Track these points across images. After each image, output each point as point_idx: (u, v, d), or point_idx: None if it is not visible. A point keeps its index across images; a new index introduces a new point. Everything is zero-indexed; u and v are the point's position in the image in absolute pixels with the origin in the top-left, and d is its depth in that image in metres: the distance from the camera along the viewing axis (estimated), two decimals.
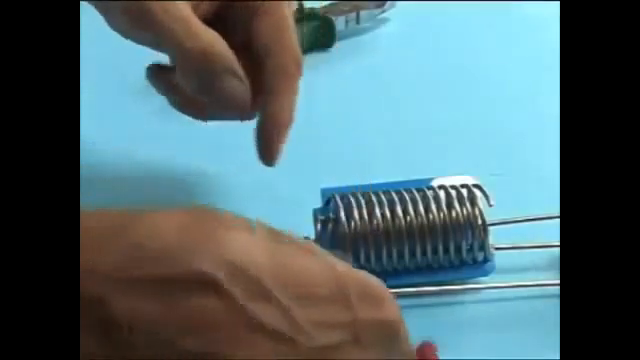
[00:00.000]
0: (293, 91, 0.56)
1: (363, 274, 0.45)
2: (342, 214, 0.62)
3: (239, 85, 0.52)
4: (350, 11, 0.89)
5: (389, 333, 0.45)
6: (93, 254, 0.40)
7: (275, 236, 0.44)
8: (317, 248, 0.45)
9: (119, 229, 0.41)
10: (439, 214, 0.62)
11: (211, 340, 0.39)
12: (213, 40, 0.50)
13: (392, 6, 0.90)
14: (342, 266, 0.44)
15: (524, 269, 0.65)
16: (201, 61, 0.50)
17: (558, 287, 0.62)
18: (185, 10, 0.50)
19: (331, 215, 0.62)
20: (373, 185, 0.64)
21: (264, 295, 0.40)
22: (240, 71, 0.51)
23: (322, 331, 0.41)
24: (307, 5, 0.86)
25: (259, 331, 0.39)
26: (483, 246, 0.63)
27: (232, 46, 0.53)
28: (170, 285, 0.39)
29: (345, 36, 0.88)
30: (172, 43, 0.50)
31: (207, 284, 0.39)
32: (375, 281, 0.45)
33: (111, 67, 0.81)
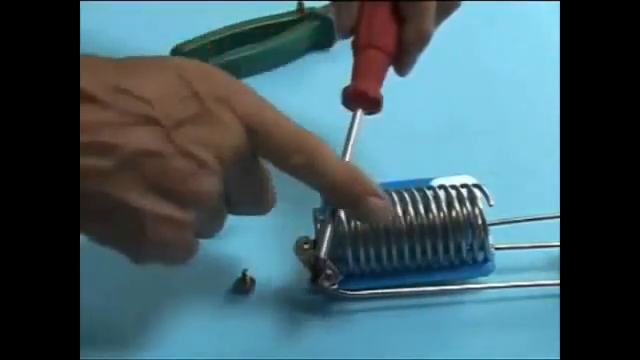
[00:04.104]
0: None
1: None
2: (342, 214, 0.62)
3: (381, 202, 0.58)
4: None
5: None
6: None
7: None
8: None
9: None
10: (439, 214, 0.62)
11: (99, 134, 0.51)
12: (355, 172, 0.58)
13: None
14: None
15: (524, 269, 0.65)
16: (349, 191, 0.58)
17: (558, 287, 0.62)
18: (333, 152, 0.58)
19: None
20: None
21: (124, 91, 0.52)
22: (380, 191, 0.58)
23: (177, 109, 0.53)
24: (307, 5, 0.86)
25: (133, 124, 0.52)
26: (483, 246, 0.63)
27: None
28: None
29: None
30: (325, 185, 0.58)
31: (89, 99, 0.51)
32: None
33: None
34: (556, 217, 0.64)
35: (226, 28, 0.84)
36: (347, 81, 0.63)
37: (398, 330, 0.61)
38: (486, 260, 0.63)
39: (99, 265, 0.63)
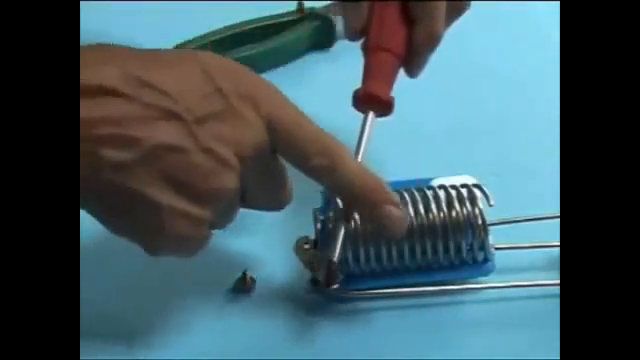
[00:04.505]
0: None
1: None
2: (342, 214, 0.62)
3: (398, 212, 0.58)
4: None
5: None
6: None
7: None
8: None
9: None
10: (439, 214, 0.62)
11: (121, 127, 0.51)
12: (376, 179, 0.58)
13: None
14: None
15: (524, 269, 0.65)
16: (367, 197, 0.58)
17: (558, 287, 0.62)
18: (355, 161, 0.58)
19: (331, 215, 0.62)
20: None
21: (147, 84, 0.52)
22: (395, 199, 0.58)
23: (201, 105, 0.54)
24: (307, 5, 0.86)
25: (156, 118, 0.52)
26: (483, 246, 0.63)
27: None
28: (85, 95, 0.51)
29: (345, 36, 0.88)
30: (344, 188, 0.58)
31: (112, 92, 0.51)
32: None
33: None
34: (556, 217, 0.64)
35: (226, 28, 0.84)
36: (347, 81, 0.63)
37: (398, 330, 0.61)
38: (486, 260, 0.63)
39: (100, 265, 0.63)
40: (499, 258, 0.64)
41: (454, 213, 0.62)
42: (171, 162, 0.53)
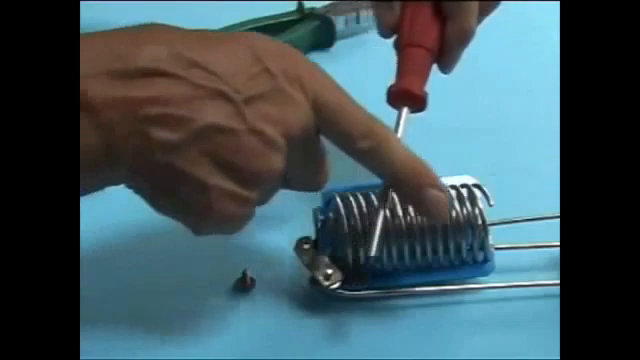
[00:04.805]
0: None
1: None
2: (342, 214, 0.62)
3: (441, 195, 0.59)
4: (350, 11, 0.89)
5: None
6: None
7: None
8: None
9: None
10: None
11: (170, 107, 0.52)
12: (420, 163, 0.59)
13: None
14: None
15: (524, 269, 0.65)
16: (411, 181, 0.59)
17: (558, 287, 0.62)
18: (399, 141, 0.59)
19: (331, 215, 0.62)
20: (373, 185, 0.64)
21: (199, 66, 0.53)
22: (440, 183, 0.59)
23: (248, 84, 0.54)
24: (307, 5, 0.86)
25: (205, 99, 0.52)
26: (483, 246, 0.63)
27: None
28: (134, 75, 0.51)
29: (345, 36, 0.88)
30: (389, 172, 0.58)
31: (160, 73, 0.52)
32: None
33: None
34: (556, 217, 0.64)
35: (226, 28, 0.84)
36: (347, 81, 0.63)
37: (398, 330, 0.61)
38: (486, 260, 0.63)
39: (99, 265, 0.63)
40: (499, 258, 0.64)
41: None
42: (220, 143, 0.53)
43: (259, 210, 0.60)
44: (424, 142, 0.75)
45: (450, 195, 0.63)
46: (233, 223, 0.56)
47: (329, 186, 0.63)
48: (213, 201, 0.54)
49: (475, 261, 0.63)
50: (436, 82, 0.66)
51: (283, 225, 0.66)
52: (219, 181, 0.53)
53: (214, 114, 0.53)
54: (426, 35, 0.64)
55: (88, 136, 0.51)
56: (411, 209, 0.62)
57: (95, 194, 0.58)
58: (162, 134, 0.52)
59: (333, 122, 0.56)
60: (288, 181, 0.58)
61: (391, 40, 0.66)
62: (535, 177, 0.72)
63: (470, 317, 0.63)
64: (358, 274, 0.61)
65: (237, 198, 0.54)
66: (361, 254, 0.61)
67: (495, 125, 0.77)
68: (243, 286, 0.63)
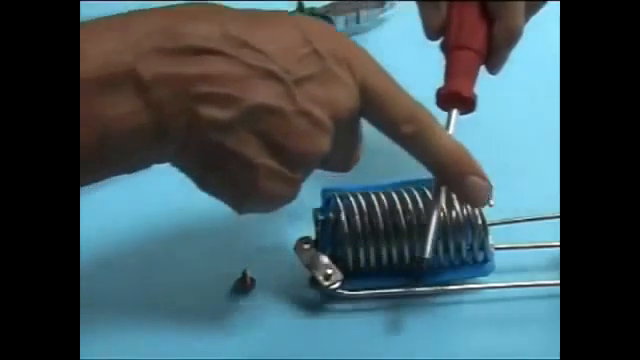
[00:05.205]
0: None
1: None
2: (342, 214, 0.62)
3: (482, 182, 0.59)
4: (350, 11, 0.89)
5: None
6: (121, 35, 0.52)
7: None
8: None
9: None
10: (439, 214, 0.62)
11: (221, 85, 0.52)
12: (463, 150, 0.59)
13: (392, 6, 0.90)
14: None
15: (524, 269, 0.65)
16: (454, 167, 0.59)
17: (558, 287, 0.62)
18: (444, 131, 0.60)
19: (331, 215, 0.62)
20: (373, 185, 0.64)
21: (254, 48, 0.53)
22: (481, 171, 0.60)
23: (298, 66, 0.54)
24: (307, 5, 0.86)
25: (255, 78, 0.53)
26: (483, 246, 0.63)
27: None
28: (185, 53, 0.52)
29: None
30: (432, 158, 0.59)
31: (212, 51, 0.52)
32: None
33: None
34: (556, 217, 0.64)
35: None
36: None
37: (398, 330, 0.61)
38: (486, 260, 0.63)
39: (100, 265, 0.63)
40: (499, 258, 0.64)
41: (454, 213, 0.62)
42: (269, 123, 0.53)
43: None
44: None
45: (450, 195, 0.63)
46: (276, 202, 0.56)
47: (329, 186, 0.63)
48: (259, 180, 0.54)
49: (475, 261, 0.63)
50: (436, 83, 0.66)
51: (283, 225, 0.66)
52: (267, 161, 0.54)
53: (265, 94, 0.53)
54: (474, 37, 0.65)
55: (138, 114, 0.51)
56: (411, 209, 0.62)
57: (95, 194, 0.58)
58: (213, 112, 0.52)
59: (379, 106, 0.57)
60: (325, 162, 0.58)
61: (391, 40, 0.66)
62: (535, 177, 0.72)
63: (470, 317, 0.63)
64: (416, 274, 0.61)
65: (283, 178, 0.55)
66: (361, 254, 0.61)
67: (495, 125, 0.77)
68: (243, 286, 0.63)
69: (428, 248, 0.59)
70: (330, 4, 0.88)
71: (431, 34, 0.67)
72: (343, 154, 0.59)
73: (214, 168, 0.54)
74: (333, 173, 0.60)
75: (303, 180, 0.57)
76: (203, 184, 0.56)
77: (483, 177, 0.59)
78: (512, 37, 0.66)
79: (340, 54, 0.55)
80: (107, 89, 0.51)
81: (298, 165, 0.55)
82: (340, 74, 0.55)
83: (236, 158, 0.53)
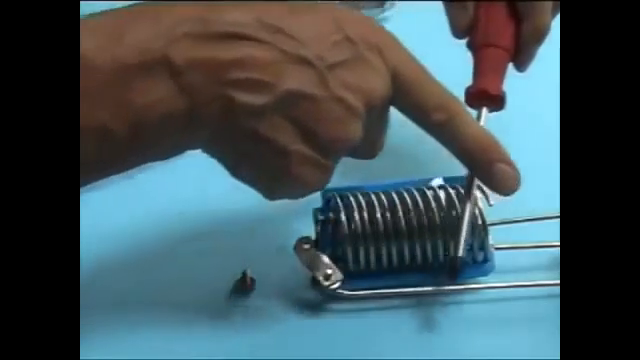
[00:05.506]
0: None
1: None
2: (342, 214, 0.62)
3: (511, 170, 0.60)
4: None
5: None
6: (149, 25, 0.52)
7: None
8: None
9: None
10: (439, 214, 0.62)
11: (255, 71, 0.52)
12: (492, 138, 0.60)
13: (392, 6, 0.90)
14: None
15: (524, 269, 0.65)
16: (482, 155, 0.59)
17: (558, 287, 0.62)
18: (473, 119, 0.60)
19: (331, 215, 0.62)
20: (373, 185, 0.64)
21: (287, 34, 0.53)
22: (509, 159, 0.60)
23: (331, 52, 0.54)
24: None
25: (289, 64, 0.53)
26: (483, 246, 0.63)
27: None
28: (218, 38, 0.52)
29: None
30: (461, 146, 0.59)
31: (245, 37, 0.52)
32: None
33: None
34: (556, 217, 0.64)
35: None
36: None
37: (398, 330, 0.61)
38: (486, 260, 0.63)
39: (100, 265, 0.63)
40: (499, 258, 0.64)
41: (454, 213, 0.62)
42: (302, 109, 0.54)
43: (260, 209, 0.60)
44: (424, 142, 0.75)
45: (450, 195, 0.63)
46: (308, 188, 0.57)
47: (329, 186, 0.63)
48: (292, 166, 0.54)
49: (475, 261, 0.63)
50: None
51: (283, 225, 0.66)
52: (300, 147, 0.54)
53: (298, 80, 0.53)
54: (502, 35, 0.66)
55: (171, 100, 0.52)
56: (411, 209, 0.62)
57: (94, 194, 0.58)
58: (247, 98, 0.52)
59: (409, 93, 0.57)
60: (352, 149, 0.58)
61: None
62: (535, 177, 0.72)
63: (470, 317, 0.63)
64: (450, 272, 0.61)
65: (316, 164, 0.55)
66: (361, 254, 0.61)
67: (495, 125, 0.77)
68: (243, 286, 0.63)
69: (462, 246, 0.60)
70: (330, 4, 0.88)
71: (458, 33, 0.67)
72: (371, 141, 0.59)
73: (247, 154, 0.54)
74: (336, 173, 0.60)
75: (334, 166, 0.57)
76: (236, 171, 0.56)
77: (512, 165, 0.60)
78: (540, 35, 0.66)
79: (372, 41, 0.56)
80: (140, 77, 0.51)
81: (330, 151, 0.55)
82: (372, 60, 0.55)
83: (269, 144, 0.54)
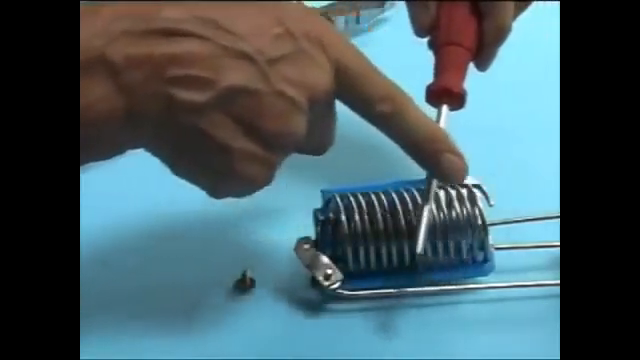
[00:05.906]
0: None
1: None
2: (342, 214, 0.62)
3: (458, 161, 0.60)
4: (350, 11, 0.89)
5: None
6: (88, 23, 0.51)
7: None
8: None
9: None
10: (439, 214, 0.62)
11: (194, 67, 0.51)
12: (437, 128, 0.60)
13: (392, 6, 0.90)
14: None
15: (524, 269, 0.65)
16: (429, 146, 0.59)
17: (558, 287, 0.62)
18: (418, 110, 0.59)
19: (331, 215, 0.62)
20: (373, 185, 0.64)
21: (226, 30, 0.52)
22: (457, 149, 0.60)
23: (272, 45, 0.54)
24: (307, 5, 0.86)
25: (229, 60, 0.52)
26: (483, 246, 0.63)
27: None
28: (156, 35, 0.51)
29: None
30: (407, 136, 0.58)
31: (183, 33, 0.52)
32: None
33: None
34: (556, 217, 0.64)
35: None
36: None
37: (398, 330, 0.61)
38: (486, 260, 0.63)
39: (100, 265, 0.63)
40: (499, 258, 0.64)
41: (454, 213, 0.62)
42: (243, 104, 0.53)
43: (259, 209, 0.60)
44: None
45: (450, 195, 0.63)
46: (253, 185, 0.56)
47: (329, 186, 0.63)
48: (235, 163, 0.53)
49: (475, 261, 0.63)
50: None
51: (283, 225, 0.66)
52: (242, 143, 0.53)
53: (238, 75, 0.52)
54: (463, 33, 0.66)
55: (110, 99, 0.51)
56: (411, 209, 0.62)
57: (94, 194, 0.58)
58: (186, 96, 0.51)
59: (354, 86, 0.56)
60: (299, 145, 0.58)
61: (390, 40, 0.66)
62: (535, 177, 0.72)
63: (470, 317, 0.63)
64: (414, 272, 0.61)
65: (259, 160, 0.54)
66: (361, 254, 0.61)
67: (495, 125, 0.77)
68: (243, 286, 0.63)
69: (420, 243, 0.59)
70: (330, 4, 0.88)
71: (420, 32, 0.67)
72: (317, 137, 0.58)
73: (189, 152, 0.54)
74: (333, 173, 0.60)
75: (279, 163, 0.57)
76: (178, 169, 0.55)
77: (460, 156, 0.59)
78: (502, 35, 0.66)
79: (313, 35, 0.55)
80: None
81: (274, 146, 0.54)
82: (314, 54, 0.55)
83: (211, 141, 0.53)
